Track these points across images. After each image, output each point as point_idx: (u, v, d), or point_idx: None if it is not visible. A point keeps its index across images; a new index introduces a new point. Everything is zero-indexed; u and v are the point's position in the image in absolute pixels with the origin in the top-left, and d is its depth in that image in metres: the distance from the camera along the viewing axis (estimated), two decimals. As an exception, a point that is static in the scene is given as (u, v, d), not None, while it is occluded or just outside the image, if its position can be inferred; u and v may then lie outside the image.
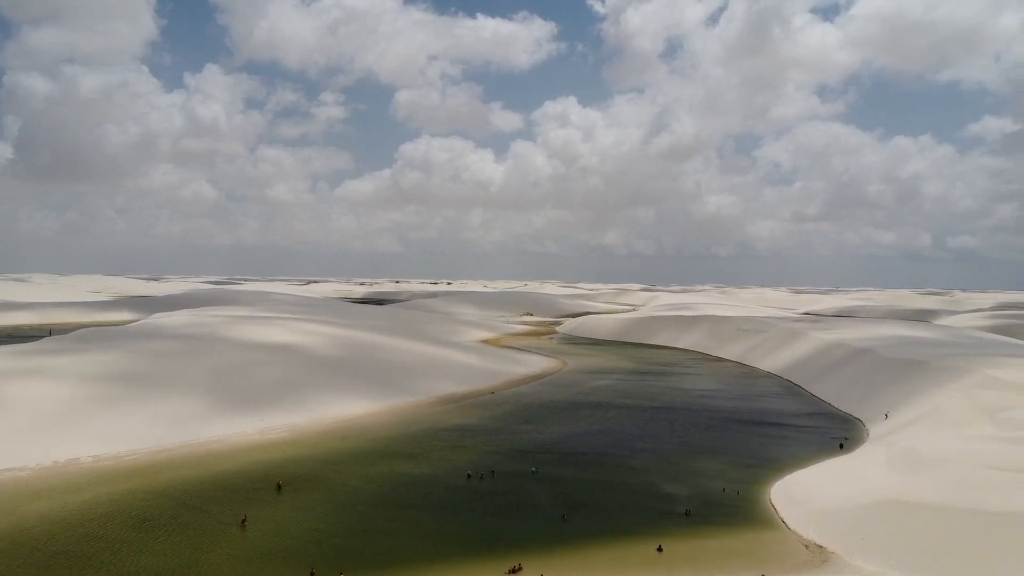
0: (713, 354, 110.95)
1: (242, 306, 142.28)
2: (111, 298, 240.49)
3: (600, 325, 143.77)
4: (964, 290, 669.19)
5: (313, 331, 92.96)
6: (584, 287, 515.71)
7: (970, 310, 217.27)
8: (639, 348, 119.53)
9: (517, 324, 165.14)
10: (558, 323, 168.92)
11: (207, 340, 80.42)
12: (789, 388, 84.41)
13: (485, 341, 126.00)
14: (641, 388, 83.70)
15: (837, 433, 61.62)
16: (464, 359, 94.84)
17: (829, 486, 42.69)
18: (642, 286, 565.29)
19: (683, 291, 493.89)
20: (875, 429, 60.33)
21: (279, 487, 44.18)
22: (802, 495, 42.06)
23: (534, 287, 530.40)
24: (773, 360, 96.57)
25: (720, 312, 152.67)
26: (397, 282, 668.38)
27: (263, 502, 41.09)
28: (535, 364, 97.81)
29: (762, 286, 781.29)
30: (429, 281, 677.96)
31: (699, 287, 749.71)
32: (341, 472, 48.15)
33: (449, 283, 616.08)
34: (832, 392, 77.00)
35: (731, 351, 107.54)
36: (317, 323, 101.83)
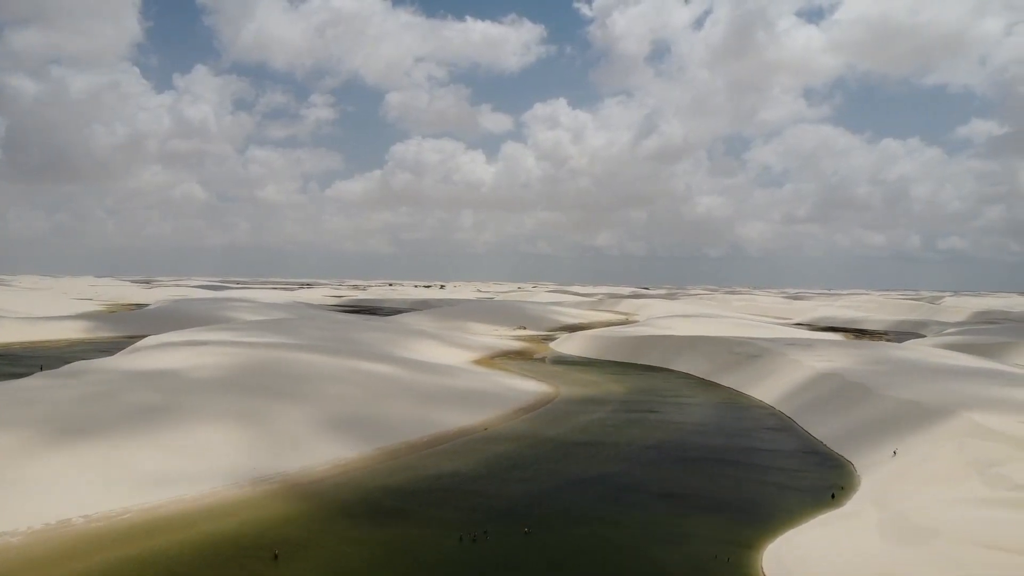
0: (705, 378, 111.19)
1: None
2: (85, 310, 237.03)
3: (592, 343, 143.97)
4: (956, 292, 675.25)
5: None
6: (576, 290, 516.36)
7: (954, 325, 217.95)
8: (630, 370, 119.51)
9: (510, 340, 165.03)
10: (551, 337, 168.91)
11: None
12: (780, 422, 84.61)
13: (476, 362, 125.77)
14: (632, 422, 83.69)
15: (828, 479, 61.77)
16: (456, 387, 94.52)
17: (821, 555, 42.64)
18: (633, 289, 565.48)
19: (674, 293, 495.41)
20: (866, 476, 60.53)
21: (276, 556, 42.43)
22: (794, 565, 42.03)
23: (527, 289, 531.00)
24: (765, 389, 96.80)
25: (711, 328, 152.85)
26: (391, 284, 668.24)
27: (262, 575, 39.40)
28: (528, 393, 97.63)
29: (754, 287, 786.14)
30: (422, 284, 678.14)
31: (691, 288, 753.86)
32: (331, 535, 47.64)
33: (442, 286, 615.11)
34: (823, 428, 77.20)
35: (723, 376, 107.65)
36: (297, 350, 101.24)
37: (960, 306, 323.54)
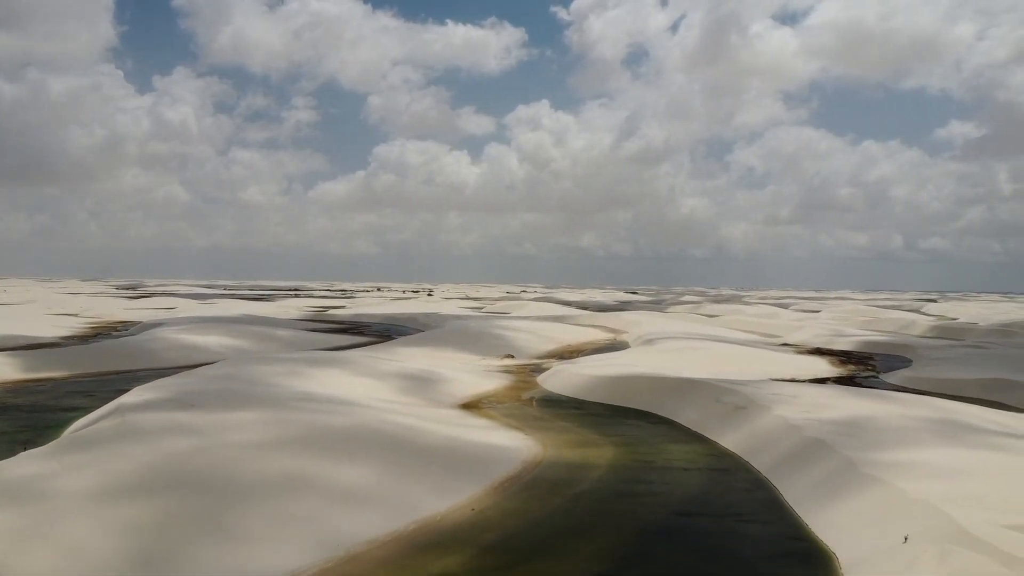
0: (692, 429, 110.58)
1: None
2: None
3: (580, 381, 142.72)
4: (942, 293, 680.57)
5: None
6: (564, 295, 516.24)
7: (941, 346, 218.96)
8: (618, 416, 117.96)
9: (496, 372, 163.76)
10: (538, 368, 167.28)
11: None
12: (767, 495, 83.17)
13: (464, 407, 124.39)
14: (620, 497, 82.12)
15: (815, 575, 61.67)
16: (441, 450, 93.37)
17: None
18: (619, 299, 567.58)
19: (661, 298, 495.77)
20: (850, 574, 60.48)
21: None
22: None
23: (515, 294, 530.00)
24: (751, 451, 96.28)
25: (698, 360, 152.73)
26: (379, 288, 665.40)
27: None
28: (514, 454, 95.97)
29: (740, 289, 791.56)
30: (410, 290, 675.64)
31: (677, 288, 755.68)
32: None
33: (430, 292, 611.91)
34: (811, 510, 76.64)
35: (710, 429, 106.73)
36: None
37: (943, 315, 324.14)
